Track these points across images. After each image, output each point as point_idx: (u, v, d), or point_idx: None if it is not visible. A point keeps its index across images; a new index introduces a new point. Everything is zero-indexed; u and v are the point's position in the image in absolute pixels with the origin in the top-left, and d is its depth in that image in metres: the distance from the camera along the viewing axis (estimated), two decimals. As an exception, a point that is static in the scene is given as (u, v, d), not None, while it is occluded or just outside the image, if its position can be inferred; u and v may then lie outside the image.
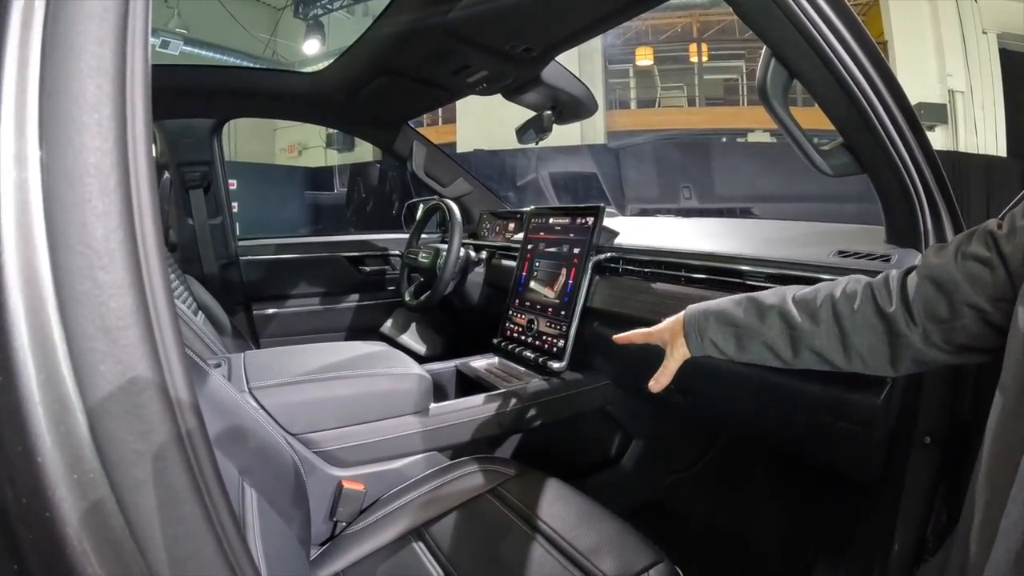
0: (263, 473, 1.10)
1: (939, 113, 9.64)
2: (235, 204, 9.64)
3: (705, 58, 12.47)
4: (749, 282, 1.52)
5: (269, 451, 1.17)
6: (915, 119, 1.25)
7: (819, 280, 1.27)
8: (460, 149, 10.77)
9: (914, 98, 9.34)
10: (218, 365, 1.58)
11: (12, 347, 0.36)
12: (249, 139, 12.61)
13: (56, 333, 0.37)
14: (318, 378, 1.58)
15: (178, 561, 0.41)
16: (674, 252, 1.78)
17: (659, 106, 12.80)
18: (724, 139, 11.09)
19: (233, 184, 10.15)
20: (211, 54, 11.25)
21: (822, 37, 1.14)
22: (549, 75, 2.02)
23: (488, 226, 3.00)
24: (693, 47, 12.45)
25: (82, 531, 0.37)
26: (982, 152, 9.37)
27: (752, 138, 10.94)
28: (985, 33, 9.71)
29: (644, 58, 12.33)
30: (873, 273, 1.18)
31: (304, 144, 13.75)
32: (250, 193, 10.27)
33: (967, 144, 9.50)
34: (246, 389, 1.47)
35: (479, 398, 1.79)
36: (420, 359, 2.74)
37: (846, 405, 1.31)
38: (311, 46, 11.61)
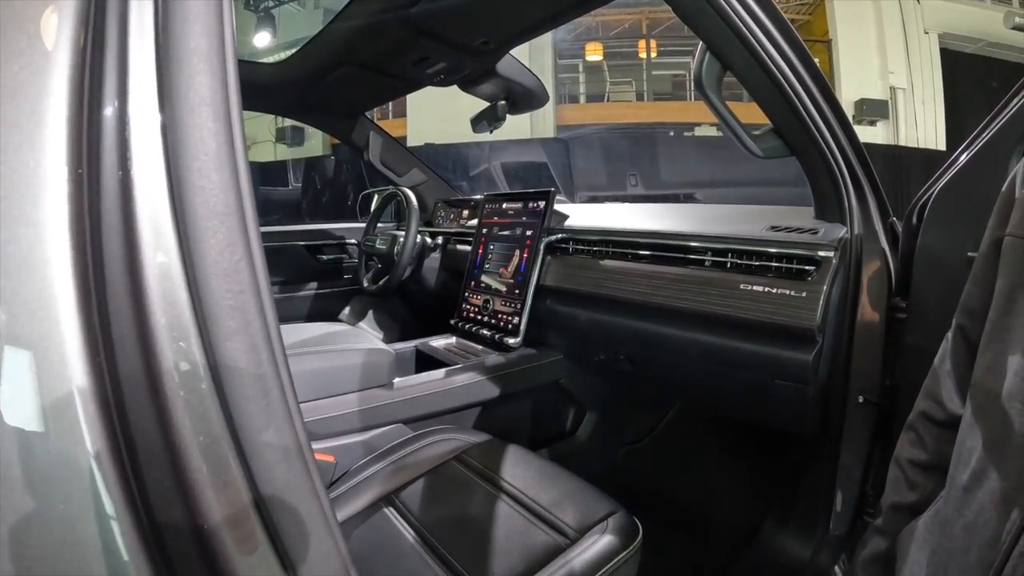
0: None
1: (881, 109, 9.98)
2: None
3: (654, 54, 12.60)
4: (691, 256, 1.64)
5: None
6: (838, 106, 1.36)
7: (755, 253, 1.47)
8: (411, 143, 10.71)
9: (857, 94, 9.90)
10: None
11: (137, 228, 0.46)
12: None
13: (169, 218, 0.47)
14: (287, 353, 1.63)
15: (251, 399, 0.51)
16: (620, 232, 1.89)
17: (608, 100, 12.90)
18: (672, 133, 11.31)
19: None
20: None
21: (751, 33, 1.25)
22: (504, 67, 2.10)
23: (443, 214, 3.07)
24: (642, 43, 12.57)
25: (176, 380, 0.46)
26: (922, 146, 9.71)
27: (699, 132, 11.13)
28: (927, 33, 10.07)
29: (594, 53, 12.43)
30: (806, 246, 1.38)
31: (253, 139, 13.42)
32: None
33: (907, 138, 9.87)
34: None
35: (440, 372, 1.86)
36: None
37: (781, 363, 1.41)
38: (262, 39, 11.32)
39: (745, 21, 1.24)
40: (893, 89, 10.10)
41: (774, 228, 1.53)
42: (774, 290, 1.41)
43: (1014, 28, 8.94)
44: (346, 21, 1.85)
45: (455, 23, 1.78)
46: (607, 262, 1.88)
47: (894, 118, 10.07)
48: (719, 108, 1.38)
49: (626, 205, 2.67)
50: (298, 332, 1.84)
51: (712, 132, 10.80)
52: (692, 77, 1.38)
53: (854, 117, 9.94)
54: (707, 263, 1.59)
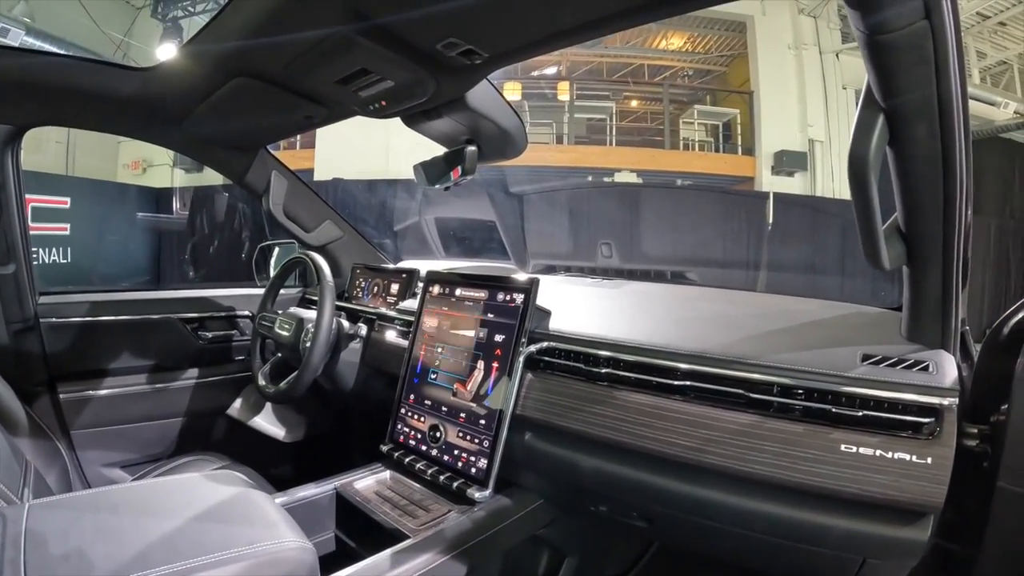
0: None
1: (799, 161, 10.45)
2: (66, 226, 8.73)
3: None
4: (756, 396, 1.23)
5: None
6: (970, 218, 1.12)
7: (843, 393, 1.16)
8: (318, 177, 9.96)
9: (777, 145, 10.38)
10: None
11: None
12: (90, 153, 11.18)
13: None
14: None
15: None
16: (641, 348, 1.41)
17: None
18: (590, 178, 11.04)
19: (66, 202, 9.13)
20: (55, 50, 9.88)
21: (955, 97, 0.95)
22: (478, 96, 1.47)
23: (363, 284, 2.41)
24: (561, 85, 12.41)
25: None
26: (838, 197, 10.13)
27: (619, 178, 11.03)
28: (845, 88, 10.70)
29: (513, 92, 12.11)
30: (909, 388, 1.12)
31: (149, 161, 12.33)
32: (86, 214, 9.32)
33: (824, 190, 10.38)
34: None
35: (383, 560, 1.26)
36: (279, 445, 2.35)
37: (884, 543, 1.14)
38: (166, 51, 10.42)
39: (957, 77, 0.94)
40: (812, 142, 10.59)
41: (868, 359, 1.20)
42: (889, 454, 1.08)
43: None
44: (246, 7, 1.23)
45: (424, 18, 1.13)
46: (626, 394, 1.37)
47: (812, 170, 10.53)
48: (872, 199, 1.04)
49: (618, 287, 2.14)
50: (163, 510, 1.19)
51: (633, 178, 10.88)
52: (853, 153, 1.01)
53: (773, 168, 10.59)
54: (775, 404, 1.21)
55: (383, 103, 1.50)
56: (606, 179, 11.09)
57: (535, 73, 12.67)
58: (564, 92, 12.22)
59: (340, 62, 1.33)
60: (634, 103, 14.10)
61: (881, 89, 0.94)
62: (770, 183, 10.28)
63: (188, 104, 1.77)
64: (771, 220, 8.75)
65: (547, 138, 12.51)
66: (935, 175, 1.01)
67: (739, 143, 11.69)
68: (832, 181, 10.40)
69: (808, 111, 10.56)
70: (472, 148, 1.63)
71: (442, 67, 1.31)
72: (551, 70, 13.05)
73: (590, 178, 11.05)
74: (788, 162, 10.35)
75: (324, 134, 10.24)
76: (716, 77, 14.12)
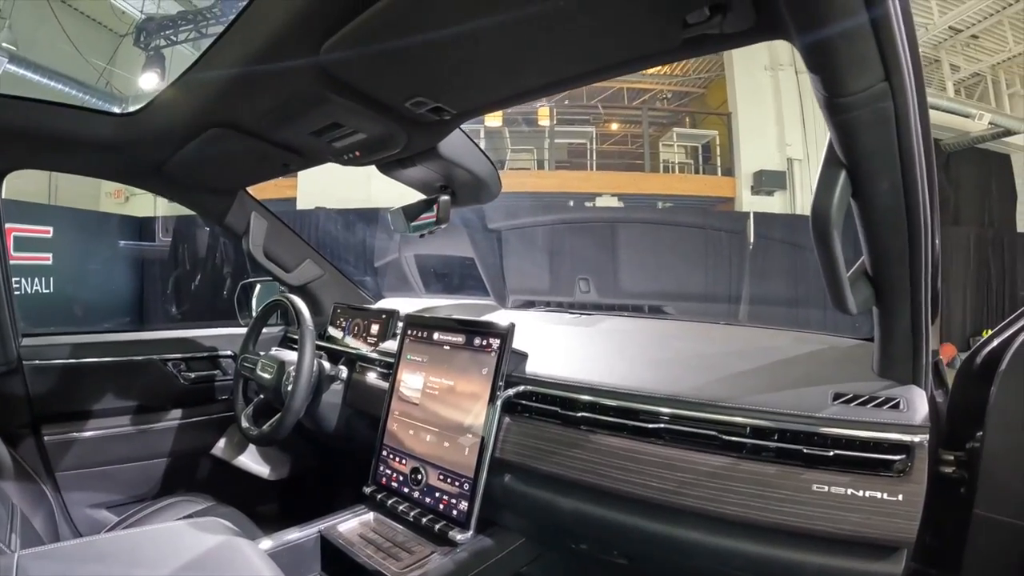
0: None
1: (778, 180, 10.46)
2: (49, 255, 8.63)
3: (553, 122, 12.50)
4: (727, 437, 1.25)
5: None
6: (937, 245, 1.12)
7: (814, 434, 1.17)
8: (301, 206, 9.94)
9: (756, 165, 10.39)
10: None
11: None
12: (73, 180, 11.05)
13: None
14: None
15: None
16: (617, 392, 1.42)
17: (507, 168, 12.60)
18: (571, 203, 11.05)
19: (48, 232, 9.02)
20: (38, 78, 9.83)
21: (918, 153, 0.95)
22: (450, 146, 1.50)
23: (344, 324, 2.41)
24: (541, 111, 12.42)
25: None
26: None
27: (600, 202, 11.05)
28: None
29: (493, 119, 12.12)
30: (880, 426, 1.12)
31: (131, 189, 12.25)
32: (69, 244, 9.23)
33: (803, 207, 10.20)
34: None
35: None
36: (264, 484, 2.36)
37: None
38: (148, 80, 10.26)
39: (919, 135, 0.94)
40: (790, 160, 10.59)
41: (839, 398, 1.21)
42: (860, 492, 1.09)
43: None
44: (221, 60, 1.25)
45: (393, 78, 1.17)
46: (603, 437, 1.39)
47: (791, 188, 10.54)
48: (836, 252, 1.05)
49: (595, 323, 2.15)
50: (149, 563, 1.19)
51: (614, 202, 10.91)
52: (816, 212, 1.02)
53: (753, 188, 10.59)
54: (748, 445, 1.22)
55: (357, 153, 1.53)
56: (587, 203, 11.07)
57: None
58: (544, 118, 12.19)
59: (313, 116, 1.36)
60: (614, 126, 14.19)
61: (843, 148, 0.96)
62: (750, 203, 10.26)
63: (165, 151, 1.79)
64: (751, 240, 8.74)
65: (528, 164, 12.54)
66: (899, 225, 1.03)
67: (718, 164, 11.70)
68: (811, 198, 10.27)
69: (785, 131, 10.57)
70: (446, 198, 1.66)
71: (412, 122, 1.34)
72: (531, 98, 13.10)
73: (571, 203, 11.00)
74: (767, 181, 10.37)
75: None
76: (694, 99, 14.25)
